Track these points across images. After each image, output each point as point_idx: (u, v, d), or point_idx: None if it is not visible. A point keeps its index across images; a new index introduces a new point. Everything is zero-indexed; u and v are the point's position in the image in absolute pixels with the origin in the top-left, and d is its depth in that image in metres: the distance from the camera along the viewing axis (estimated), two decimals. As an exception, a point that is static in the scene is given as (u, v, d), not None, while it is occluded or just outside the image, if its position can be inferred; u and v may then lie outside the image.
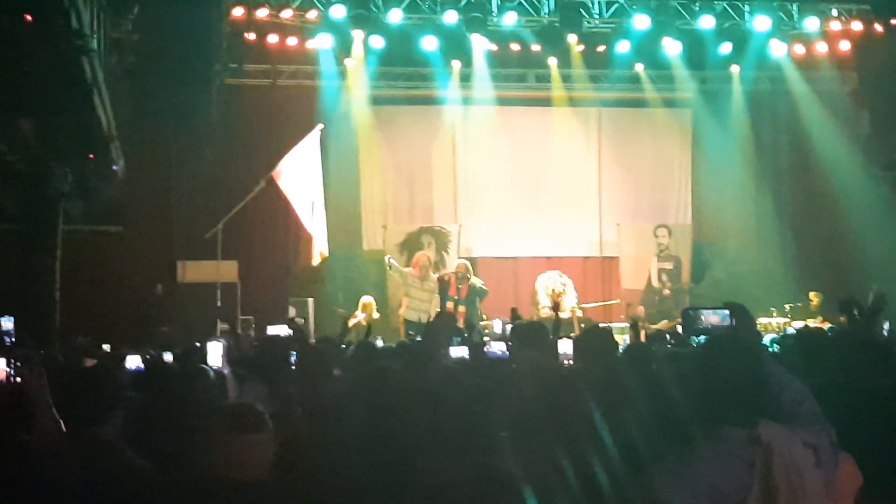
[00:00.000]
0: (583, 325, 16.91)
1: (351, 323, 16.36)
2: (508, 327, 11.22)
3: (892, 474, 4.18)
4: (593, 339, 7.78)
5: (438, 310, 15.58)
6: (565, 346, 7.65)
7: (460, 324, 15.97)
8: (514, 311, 11.09)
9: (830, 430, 3.77)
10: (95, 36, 11.68)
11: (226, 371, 6.87)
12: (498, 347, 8.22)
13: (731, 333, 3.96)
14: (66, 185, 13.61)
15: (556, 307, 14.25)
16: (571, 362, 7.44)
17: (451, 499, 2.62)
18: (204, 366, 6.60)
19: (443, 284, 17.15)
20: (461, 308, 16.85)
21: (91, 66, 11.00)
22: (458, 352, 7.80)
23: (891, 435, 4.47)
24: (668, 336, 10.78)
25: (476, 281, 17.58)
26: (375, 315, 17.07)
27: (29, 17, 8.57)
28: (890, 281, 18.21)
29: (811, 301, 17.94)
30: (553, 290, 18.63)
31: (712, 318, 4.33)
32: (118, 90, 16.00)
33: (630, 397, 4.77)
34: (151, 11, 15.39)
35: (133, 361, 7.89)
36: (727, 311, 4.33)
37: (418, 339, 10.95)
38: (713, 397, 3.73)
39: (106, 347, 12.37)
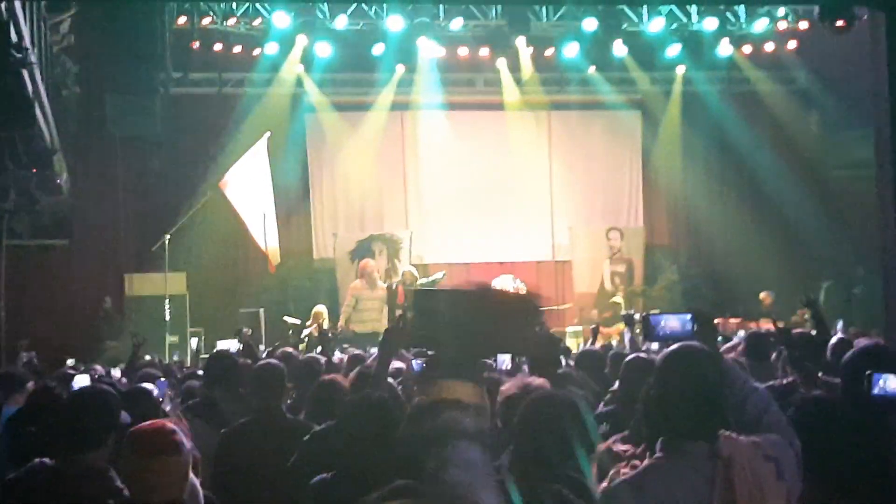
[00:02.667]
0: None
1: (303, 333, 16.21)
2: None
3: (851, 481, 4.10)
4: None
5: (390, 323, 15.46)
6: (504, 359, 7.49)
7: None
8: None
9: (794, 439, 3.70)
10: (36, 48, 11.48)
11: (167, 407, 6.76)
12: None
13: (692, 343, 3.86)
14: (8, 200, 13.36)
15: None
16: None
17: None
18: (147, 385, 6.46)
19: (391, 293, 17.01)
20: (412, 315, 16.73)
21: (32, 78, 10.80)
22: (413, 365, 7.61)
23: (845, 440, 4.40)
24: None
25: (427, 279, 17.44)
26: (326, 325, 16.87)
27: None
28: (840, 278, 18.41)
29: (762, 301, 17.99)
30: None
31: (672, 322, 4.22)
32: (61, 102, 15.79)
33: (583, 408, 4.67)
34: (93, 21, 15.17)
35: (81, 381, 7.73)
36: (688, 316, 4.22)
37: (373, 350, 10.79)
38: (673, 410, 3.65)
39: (70, 361, 12.25)
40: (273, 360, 6.98)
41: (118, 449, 4.18)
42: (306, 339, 15.67)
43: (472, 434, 2.09)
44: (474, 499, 2.04)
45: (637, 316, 13.23)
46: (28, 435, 5.70)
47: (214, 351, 10.99)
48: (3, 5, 9.31)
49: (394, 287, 17.09)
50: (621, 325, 16.00)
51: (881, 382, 4.11)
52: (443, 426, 2.08)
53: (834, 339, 7.07)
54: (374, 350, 10.83)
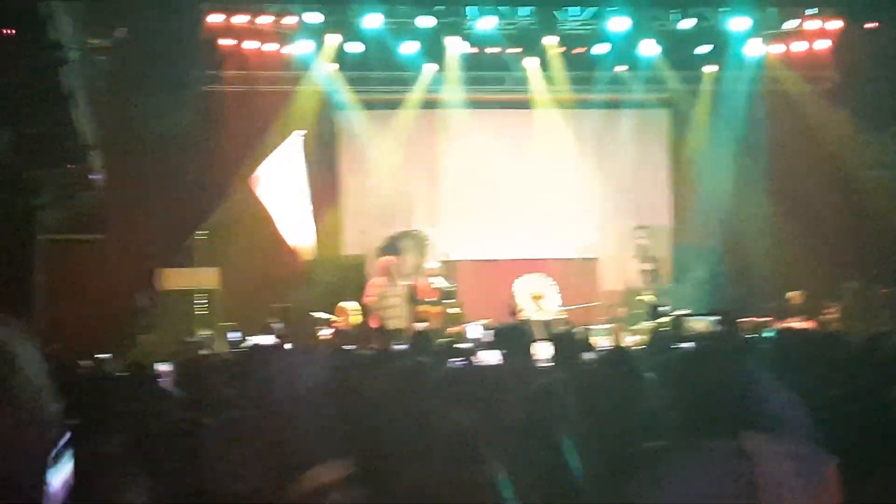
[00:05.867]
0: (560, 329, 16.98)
1: (331, 328, 16.36)
2: (488, 332, 11.19)
3: (877, 479, 4.18)
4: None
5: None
6: (542, 350, 7.63)
7: (438, 327, 16.04)
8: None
9: (819, 440, 3.75)
10: (73, 46, 11.67)
11: None
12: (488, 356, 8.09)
13: (715, 341, 3.94)
14: (44, 195, 13.57)
15: (513, 313, 14.26)
16: (547, 365, 7.43)
17: None
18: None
19: (412, 290, 17.15)
20: (435, 310, 16.89)
21: (69, 76, 10.98)
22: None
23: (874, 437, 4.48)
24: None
25: (443, 282, 17.60)
26: (355, 320, 16.97)
27: (7, 31, 8.56)
28: (869, 278, 18.39)
29: (791, 300, 17.98)
30: (533, 294, 18.58)
31: (698, 324, 4.32)
32: (96, 99, 15.98)
33: (612, 405, 4.77)
34: (129, 20, 15.36)
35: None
36: (714, 318, 4.31)
37: (398, 347, 10.90)
38: (696, 408, 3.73)
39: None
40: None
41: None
42: (334, 334, 15.82)
43: None
44: None
45: (661, 309, 13.31)
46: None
47: (252, 344, 11.17)
48: (41, 5, 9.50)
49: (418, 287, 17.23)
50: (648, 323, 16.09)
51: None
52: None
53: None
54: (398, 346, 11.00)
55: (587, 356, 7.81)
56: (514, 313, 13.60)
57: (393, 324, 16.41)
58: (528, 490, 3.86)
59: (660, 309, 11.67)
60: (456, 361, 7.98)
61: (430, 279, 17.57)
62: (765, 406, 3.84)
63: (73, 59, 11.41)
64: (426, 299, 17.12)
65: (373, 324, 16.55)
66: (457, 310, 17.45)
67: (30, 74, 10.17)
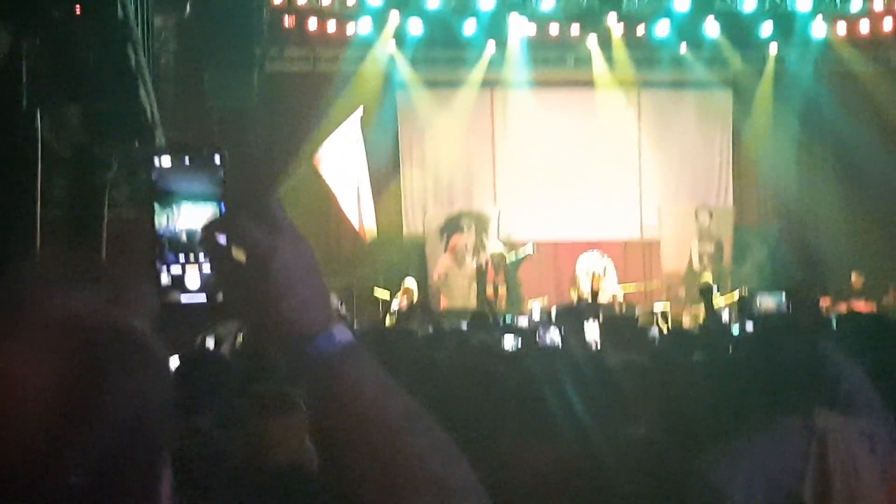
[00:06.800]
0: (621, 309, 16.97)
1: (392, 307, 16.44)
2: (550, 311, 11.18)
3: None
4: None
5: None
6: (593, 331, 7.64)
7: (502, 306, 16.07)
8: None
9: (889, 418, 3.76)
10: (140, 25, 11.78)
11: None
12: (551, 336, 8.11)
13: (786, 318, 3.93)
14: (112, 171, 13.74)
15: (594, 294, 14.26)
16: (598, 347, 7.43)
17: None
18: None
19: (480, 271, 17.19)
20: (501, 292, 16.92)
21: (136, 54, 11.09)
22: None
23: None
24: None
25: (514, 255, 17.62)
26: (416, 299, 17.06)
27: (78, 9, 8.67)
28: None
29: (853, 282, 17.84)
30: (594, 274, 18.57)
31: (768, 301, 4.31)
32: (161, 76, 16.14)
33: (687, 382, 4.77)
34: (194, -1, 15.51)
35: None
36: (783, 295, 4.31)
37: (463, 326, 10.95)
38: (768, 384, 3.74)
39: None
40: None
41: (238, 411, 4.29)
42: (396, 313, 15.89)
43: None
44: None
45: (716, 288, 13.20)
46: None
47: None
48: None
49: (483, 266, 17.27)
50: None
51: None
52: None
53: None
54: (464, 324, 11.06)
55: (651, 335, 7.82)
56: (579, 292, 13.63)
57: (458, 303, 16.49)
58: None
59: (710, 285, 11.64)
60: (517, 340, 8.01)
61: (496, 258, 17.59)
62: (838, 384, 3.85)
63: (139, 36, 11.51)
64: (495, 283, 17.16)
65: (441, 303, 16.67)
66: (520, 290, 17.48)
67: (98, 51, 10.27)
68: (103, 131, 12.59)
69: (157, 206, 1.54)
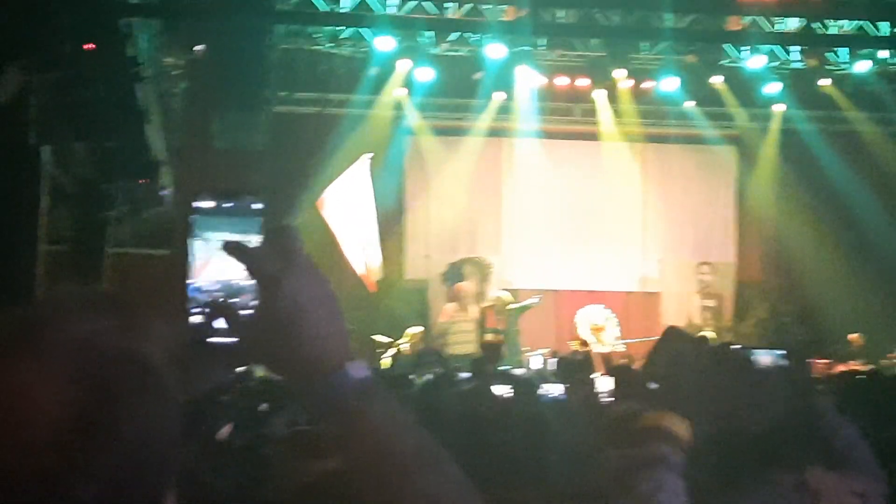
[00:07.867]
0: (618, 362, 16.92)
1: (388, 352, 16.44)
2: (550, 362, 11.18)
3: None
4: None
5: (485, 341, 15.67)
6: (605, 383, 7.65)
7: (503, 354, 16.05)
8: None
9: (883, 478, 3.74)
10: (150, 63, 11.89)
11: None
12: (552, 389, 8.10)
13: (783, 373, 3.93)
14: (117, 208, 13.80)
15: (583, 343, 14.22)
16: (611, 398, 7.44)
17: None
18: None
19: (482, 317, 17.18)
20: (501, 338, 16.90)
21: (144, 92, 11.18)
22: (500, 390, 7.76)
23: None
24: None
25: (519, 304, 17.58)
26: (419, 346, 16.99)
27: (90, 46, 8.76)
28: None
29: (852, 343, 17.79)
30: (593, 325, 18.56)
31: (764, 359, 4.31)
32: (170, 115, 16.23)
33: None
34: (205, 39, 15.60)
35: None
36: (780, 353, 4.32)
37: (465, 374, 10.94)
38: (762, 439, 3.72)
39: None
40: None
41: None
42: (396, 358, 15.89)
43: (680, 467, 2.31)
44: None
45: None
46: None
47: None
48: (122, 22, 9.70)
49: (484, 313, 17.26)
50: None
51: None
52: (656, 455, 2.29)
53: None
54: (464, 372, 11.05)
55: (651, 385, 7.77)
56: (580, 344, 13.60)
57: (461, 349, 16.47)
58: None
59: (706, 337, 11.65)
60: (508, 390, 8.01)
61: (498, 306, 17.57)
62: (831, 442, 3.83)
63: (149, 75, 11.61)
64: (493, 327, 17.13)
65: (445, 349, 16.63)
66: (520, 338, 17.43)
67: (107, 89, 10.36)
68: (109, 168, 12.65)
69: (192, 244, 1.56)
